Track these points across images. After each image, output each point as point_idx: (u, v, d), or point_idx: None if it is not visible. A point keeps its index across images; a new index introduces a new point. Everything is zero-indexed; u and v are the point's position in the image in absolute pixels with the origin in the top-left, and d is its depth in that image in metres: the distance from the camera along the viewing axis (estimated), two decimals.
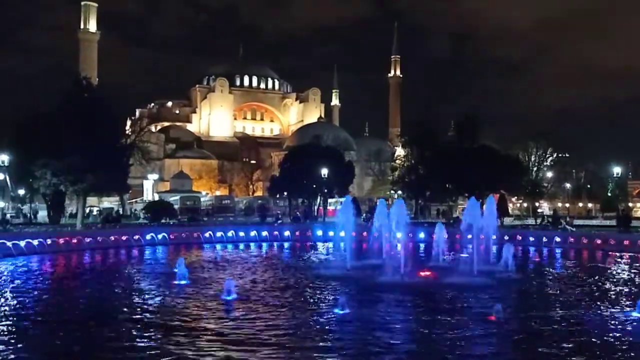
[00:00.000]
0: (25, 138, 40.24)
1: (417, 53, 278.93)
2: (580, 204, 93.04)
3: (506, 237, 32.31)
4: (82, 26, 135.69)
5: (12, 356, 10.75)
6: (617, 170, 57.82)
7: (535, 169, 75.09)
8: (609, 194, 77.41)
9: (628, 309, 15.65)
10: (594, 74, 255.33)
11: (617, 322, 14.12)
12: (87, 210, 55.83)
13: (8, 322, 13.47)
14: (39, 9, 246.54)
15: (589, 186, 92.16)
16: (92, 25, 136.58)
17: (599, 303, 16.87)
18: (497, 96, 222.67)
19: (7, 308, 15.30)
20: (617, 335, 12.78)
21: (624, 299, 17.59)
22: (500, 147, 63.63)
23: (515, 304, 16.79)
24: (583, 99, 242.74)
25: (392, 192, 76.19)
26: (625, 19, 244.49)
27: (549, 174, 79.60)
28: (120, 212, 62.83)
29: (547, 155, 78.03)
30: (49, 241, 30.82)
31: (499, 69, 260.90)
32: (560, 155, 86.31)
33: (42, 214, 53.49)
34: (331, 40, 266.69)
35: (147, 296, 17.68)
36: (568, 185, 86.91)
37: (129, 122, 70.55)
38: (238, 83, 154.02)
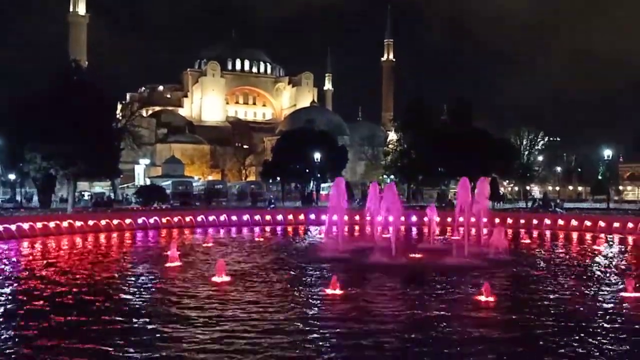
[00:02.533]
0: (14, 122, 39.86)
1: (411, 38, 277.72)
2: (571, 187, 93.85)
3: (497, 220, 32.49)
4: (71, 9, 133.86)
5: (12, 333, 11.01)
6: (607, 153, 58.15)
7: (526, 152, 75.54)
8: (600, 177, 77.97)
9: (617, 287, 15.86)
10: (587, 60, 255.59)
11: (606, 302, 14.31)
12: (78, 195, 55.61)
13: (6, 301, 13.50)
14: None
15: (579, 170, 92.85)
16: (81, 9, 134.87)
17: (589, 283, 17.08)
18: (491, 82, 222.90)
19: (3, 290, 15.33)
20: (606, 314, 12.94)
21: (612, 280, 17.82)
22: (492, 131, 63.85)
23: (505, 285, 16.94)
24: (576, 85, 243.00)
25: (384, 176, 76.40)
26: (618, 4, 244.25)
27: (540, 158, 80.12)
28: (112, 196, 62.63)
29: (539, 139, 78.48)
30: (39, 225, 30.68)
31: (493, 55, 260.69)
32: (551, 139, 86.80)
33: (35, 199, 53.28)
34: (325, 24, 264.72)
35: (138, 278, 17.70)
36: (559, 168, 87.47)
37: (119, 107, 69.85)
38: (230, 67, 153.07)
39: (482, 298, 14.04)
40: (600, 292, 15.69)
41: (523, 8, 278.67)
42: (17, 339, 10.57)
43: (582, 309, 13.46)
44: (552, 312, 13.06)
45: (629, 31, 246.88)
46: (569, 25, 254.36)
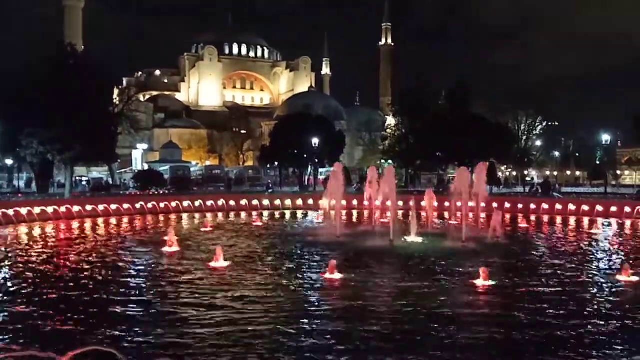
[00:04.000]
0: (11, 107, 39.55)
1: (408, 21, 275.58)
2: (569, 172, 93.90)
3: (495, 205, 32.56)
4: None
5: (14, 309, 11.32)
6: (605, 137, 58.13)
7: (524, 137, 75.47)
8: (598, 162, 78.05)
9: (613, 272, 15.93)
10: (583, 42, 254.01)
11: (604, 285, 14.39)
12: (76, 180, 55.50)
13: (10, 285, 13.51)
14: None
15: (577, 154, 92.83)
16: None
17: (586, 266, 17.17)
18: (487, 65, 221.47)
19: (6, 274, 15.35)
20: (605, 297, 13.03)
21: (609, 263, 17.91)
22: (490, 116, 63.68)
23: (502, 270, 17.00)
24: (573, 67, 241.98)
25: (382, 161, 76.34)
26: None
27: (538, 143, 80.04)
28: (110, 181, 62.52)
29: (537, 124, 78.37)
30: (37, 210, 30.67)
31: (488, 38, 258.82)
32: (549, 123, 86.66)
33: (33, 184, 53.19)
34: (322, 8, 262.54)
35: (136, 263, 17.72)
36: (557, 153, 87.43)
37: (116, 91, 69.44)
38: (227, 51, 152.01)
39: (480, 282, 14.10)
40: (597, 275, 15.78)
41: None
42: (20, 317, 10.61)
43: (578, 291, 13.54)
44: (551, 297, 13.12)
45: (628, 9, 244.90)
46: (565, 6, 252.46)
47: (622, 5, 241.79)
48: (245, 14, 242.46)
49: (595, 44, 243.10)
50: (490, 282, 14.07)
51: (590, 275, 15.84)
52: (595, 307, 12.09)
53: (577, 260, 18.58)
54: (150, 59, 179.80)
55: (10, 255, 19.12)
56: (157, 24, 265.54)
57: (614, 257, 19.40)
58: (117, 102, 63.50)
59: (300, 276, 15.49)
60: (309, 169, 64.78)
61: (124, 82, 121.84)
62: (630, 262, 16.74)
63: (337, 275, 14.87)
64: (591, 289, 14.08)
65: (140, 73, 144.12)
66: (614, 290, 13.88)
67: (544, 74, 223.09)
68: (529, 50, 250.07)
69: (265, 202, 40.83)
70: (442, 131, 54.83)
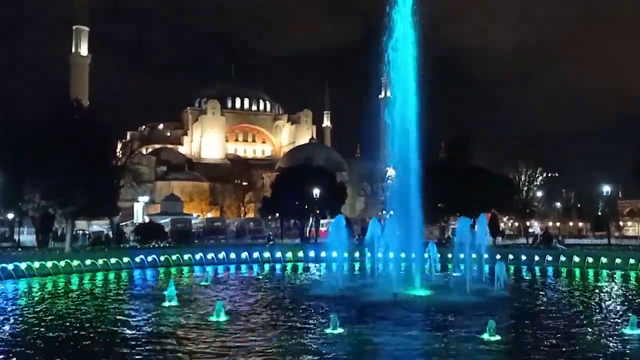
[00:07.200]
0: (14, 160, 39.86)
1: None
2: (571, 223, 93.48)
3: (498, 256, 32.25)
4: (73, 50, 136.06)
5: None
6: (606, 189, 58.23)
7: (525, 188, 75.48)
8: (599, 213, 77.83)
9: (620, 325, 15.60)
10: (573, 98, 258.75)
11: (610, 339, 14.07)
12: (76, 233, 55.29)
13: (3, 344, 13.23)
14: (30, 31, 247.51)
15: (579, 205, 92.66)
16: (84, 49, 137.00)
17: (591, 320, 16.83)
18: (487, 116, 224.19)
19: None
20: (611, 352, 12.71)
21: (616, 316, 17.57)
22: (490, 166, 63.98)
23: (509, 323, 16.65)
24: (565, 121, 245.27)
25: (384, 212, 76.13)
26: (602, 44, 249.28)
27: (539, 193, 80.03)
28: (110, 235, 62.21)
29: (537, 175, 78.57)
30: (37, 264, 30.39)
31: (483, 92, 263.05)
32: (549, 174, 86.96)
33: (31, 238, 52.97)
34: (323, 62, 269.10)
35: (135, 318, 17.39)
36: (558, 204, 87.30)
37: (120, 145, 70.19)
38: (230, 105, 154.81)
39: (486, 336, 13.78)
40: (603, 329, 15.44)
41: (515, 40, 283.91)
42: None
43: (585, 346, 13.22)
44: (557, 350, 12.80)
45: (621, 66, 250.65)
46: (555, 62, 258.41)
47: (608, 64, 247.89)
48: (248, 69, 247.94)
49: (587, 99, 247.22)
50: (497, 337, 13.75)
51: (598, 330, 15.49)
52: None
53: (584, 313, 18.23)
54: (154, 113, 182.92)
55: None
56: (161, 79, 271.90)
57: (620, 309, 19.04)
58: (120, 156, 64.04)
59: (302, 331, 15.15)
60: (310, 220, 64.58)
61: (128, 136, 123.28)
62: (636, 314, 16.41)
63: (339, 330, 14.56)
64: (599, 343, 13.75)
65: (143, 127, 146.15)
66: (621, 345, 13.55)
67: (538, 128, 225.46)
68: (522, 104, 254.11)
69: (266, 255, 40.49)
70: (443, 182, 54.95)
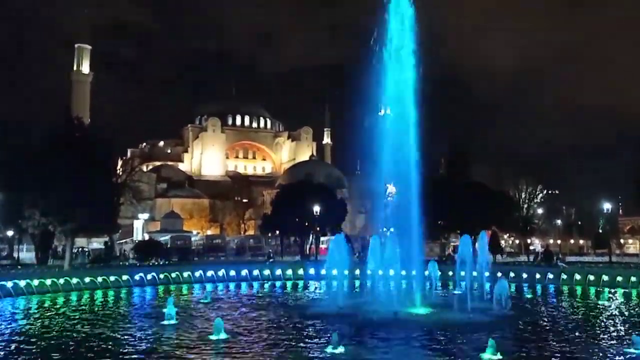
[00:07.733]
0: (14, 178, 39.92)
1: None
2: (572, 241, 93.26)
3: (499, 274, 32.10)
4: (75, 67, 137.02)
5: None
6: (607, 206, 58.19)
7: (525, 205, 75.41)
8: (600, 231, 77.70)
9: (622, 345, 15.48)
10: (573, 114, 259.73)
11: (612, 359, 13.95)
12: (76, 251, 55.11)
13: None
14: (31, 48, 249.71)
15: (579, 223, 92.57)
16: (85, 67, 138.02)
17: (594, 340, 16.69)
18: (482, 135, 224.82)
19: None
20: None
21: (618, 335, 17.43)
22: (490, 183, 63.99)
23: (512, 341, 16.52)
24: (565, 138, 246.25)
25: (384, 229, 75.97)
26: (600, 62, 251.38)
27: (540, 211, 79.95)
28: (110, 252, 61.98)
29: (537, 192, 78.55)
30: (36, 282, 30.26)
31: (483, 109, 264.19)
32: (550, 192, 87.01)
33: (31, 255, 52.79)
34: (323, 78, 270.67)
35: (134, 336, 17.26)
36: (559, 221, 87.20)
37: (120, 162, 70.34)
38: (230, 122, 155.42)
39: (488, 356, 13.66)
40: (605, 348, 15.31)
41: (515, 57, 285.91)
42: None
43: None
44: None
45: (620, 84, 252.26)
46: (567, 78, 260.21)
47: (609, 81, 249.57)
48: (248, 86, 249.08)
49: (594, 116, 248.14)
50: (499, 356, 13.64)
51: (600, 350, 15.35)
52: None
53: (586, 332, 18.10)
54: (154, 130, 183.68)
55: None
56: (162, 96, 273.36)
57: (622, 328, 18.91)
58: (120, 173, 64.11)
59: (302, 350, 15.04)
60: (311, 237, 64.37)
61: (128, 153, 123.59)
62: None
63: (340, 349, 14.44)
64: None
65: (144, 144, 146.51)
66: None
67: (539, 144, 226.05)
68: (523, 120, 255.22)
69: (266, 272, 40.30)
70: (443, 199, 54.89)
